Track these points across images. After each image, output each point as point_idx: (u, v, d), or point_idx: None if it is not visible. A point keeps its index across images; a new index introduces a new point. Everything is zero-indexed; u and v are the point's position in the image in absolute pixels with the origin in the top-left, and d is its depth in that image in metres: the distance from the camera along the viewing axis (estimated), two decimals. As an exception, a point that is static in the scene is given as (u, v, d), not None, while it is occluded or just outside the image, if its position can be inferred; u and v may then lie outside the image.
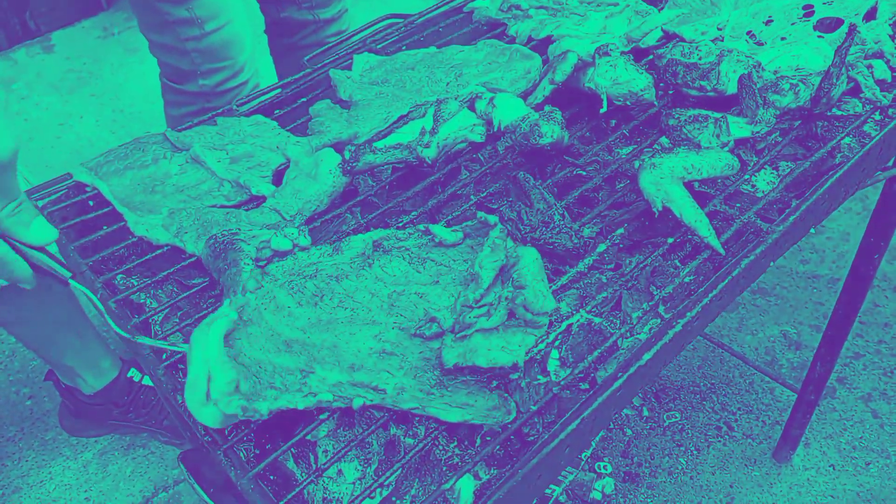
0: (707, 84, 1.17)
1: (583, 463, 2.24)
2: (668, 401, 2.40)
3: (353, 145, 1.16)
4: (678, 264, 1.04)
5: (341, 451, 0.87)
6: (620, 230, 1.05)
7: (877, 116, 1.24)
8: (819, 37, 1.30)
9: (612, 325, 0.96)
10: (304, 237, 1.03)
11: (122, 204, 1.16)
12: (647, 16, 1.36)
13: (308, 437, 0.90)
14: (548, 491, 2.17)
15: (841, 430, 2.30)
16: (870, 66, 1.20)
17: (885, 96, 1.16)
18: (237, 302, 0.89)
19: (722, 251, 0.96)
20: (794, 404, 2.10)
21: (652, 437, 2.31)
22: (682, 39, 1.33)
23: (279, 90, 1.40)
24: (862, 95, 1.17)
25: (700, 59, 1.20)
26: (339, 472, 0.91)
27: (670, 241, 1.00)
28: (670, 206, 0.97)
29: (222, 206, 1.15)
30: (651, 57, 1.28)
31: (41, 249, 0.92)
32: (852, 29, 1.06)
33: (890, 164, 1.50)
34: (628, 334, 0.94)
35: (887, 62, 1.22)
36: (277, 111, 1.37)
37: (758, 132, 1.09)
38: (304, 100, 1.38)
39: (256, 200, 1.16)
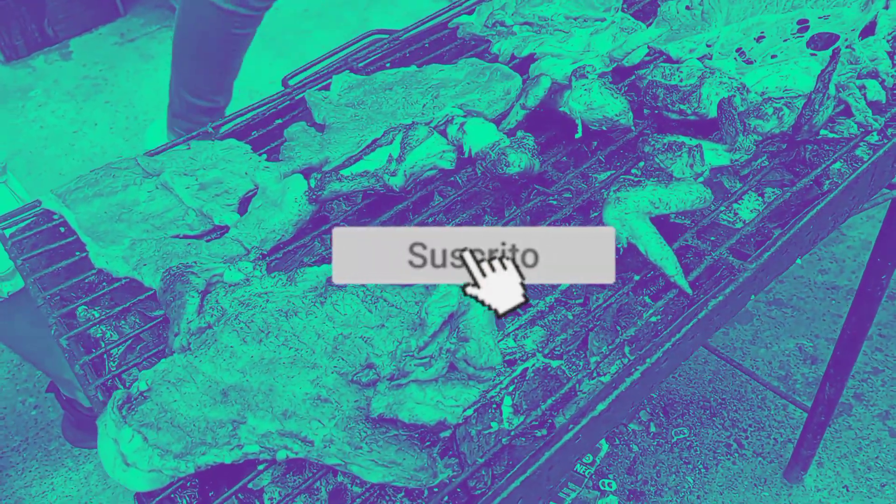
0: (687, 108, 1.12)
1: (586, 480, 2.19)
2: (676, 416, 2.34)
3: (319, 173, 1.13)
4: (648, 301, 0.99)
5: (287, 497, 0.85)
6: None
7: (873, 138, 1.18)
8: (812, 55, 1.23)
9: (573, 367, 0.92)
10: (259, 271, 1.00)
11: (86, 233, 1.14)
12: (633, 33, 1.31)
13: (250, 486, 0.87)
14: (550, 509, 2.13)
15: (856, 449, 2.22)
16: (862, 87, 1.14)
17: (876, 119, 1.10)
18: (156, 370, 0.88)
19: (689, 291, 0.91)
20: (805, 424, 2.03)
21: (659, 454, 2.26)
22: (669, 58, 1.28)
23: (256, 111, 1.38)
24: (854, 118, 1.10)
25: (681, 80, 1.15)
26: (286, 519, 0.88)
27: (636, 277, 0.95)
28: (636, 243, 0.93)
29: (185, 237, 1.13)
30: (633, 77, 1.22)
31: None
32: (836, 53, 1.00)
33: (896, 182, 1.43)
34: (591, 377, 0.89)
35: (882, 82, 1.16)
36: (255, 133, 1.34)
37: (737, 160, 1.04)
38: (280, 121, 1.35)
39: (220, 230, 1.14)
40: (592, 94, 1.09)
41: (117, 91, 3.54)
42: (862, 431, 2.26)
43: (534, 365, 0.90)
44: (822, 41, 1.26)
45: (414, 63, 1.40)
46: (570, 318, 0.99)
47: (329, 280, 0.97)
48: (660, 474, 2.21)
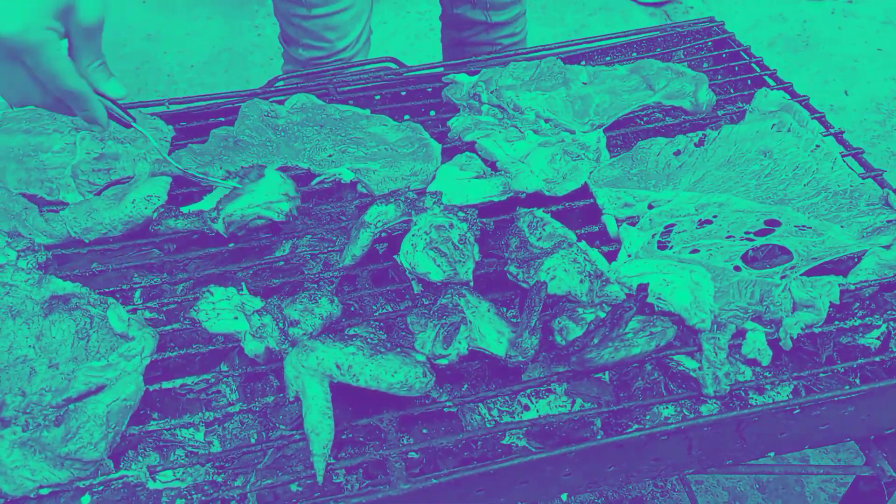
0: (521, 273, 0.94)
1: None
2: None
3: (163, 206, 1.11)
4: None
5: None
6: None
7: (762, 396, 0.92)
8: (736, 268, 0.97)
9: None
10: (24, 262, 1.02)
11: (-17, 162, 1.22)
12: (575, 160, 1.11)
13: None
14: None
15: None
16: (739, 335, 0.88)
17: (717, 382, 0.84)
18: None
19: (319, 479, 0.78)
20: None
21: None
22: (595, 204, 1.09)
23: (218, 101, 1.38)
24: (699, 370, 0.86)
25: (538, 239, 0.97)
26: None
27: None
28: (302, 400, 0.81)
29: (42, 200, 1.17)
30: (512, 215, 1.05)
31: (112, 101, 1.00)
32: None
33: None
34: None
35: (776, 340, 0.88)
36: (195, 122, 1.34)
37: (511, 358, 0.86)
38: (223, 119, 1.33)
39: (63, 205, 1.16)
40: (417, 256, 0.95)
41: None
42: None
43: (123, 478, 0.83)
44: (767, 258, 0.99)
45: (370, 108, 1.31)
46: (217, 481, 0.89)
47: (60, 297, 0.96)
48: None
